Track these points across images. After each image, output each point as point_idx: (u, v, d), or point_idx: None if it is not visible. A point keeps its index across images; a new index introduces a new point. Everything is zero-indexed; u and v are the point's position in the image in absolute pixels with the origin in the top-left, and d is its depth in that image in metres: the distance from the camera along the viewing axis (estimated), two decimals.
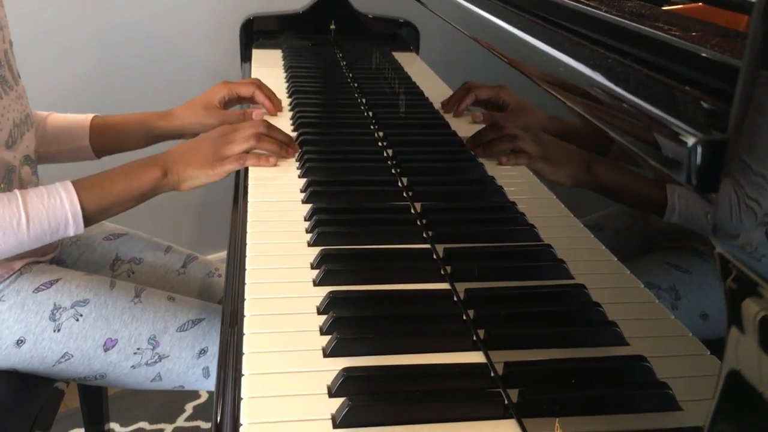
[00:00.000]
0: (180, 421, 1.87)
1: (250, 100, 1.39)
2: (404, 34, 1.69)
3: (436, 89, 1.27)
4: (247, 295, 0.83)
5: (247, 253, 0.91)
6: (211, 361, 1.11)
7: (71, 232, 1.03)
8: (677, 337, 0.60)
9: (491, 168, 0.97)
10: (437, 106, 1.22)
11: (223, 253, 2.23)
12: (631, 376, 0.66)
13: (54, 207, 1.00)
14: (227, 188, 1.18)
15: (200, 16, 2.13)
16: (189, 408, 1.90)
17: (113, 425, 1.81)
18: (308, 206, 1.02)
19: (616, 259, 0.70)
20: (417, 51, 1.55)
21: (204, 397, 1.94)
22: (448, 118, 1.16)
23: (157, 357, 1.09)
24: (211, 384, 1.12)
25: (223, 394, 0.73)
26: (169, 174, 1.10)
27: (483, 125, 1.02)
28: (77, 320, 1.06)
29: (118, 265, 1.29)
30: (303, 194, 1.06)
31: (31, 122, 1.16)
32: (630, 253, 0.67)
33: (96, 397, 1.50)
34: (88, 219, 1.04)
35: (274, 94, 1.41)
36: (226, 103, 1.37)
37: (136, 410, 1.88)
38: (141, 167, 1.09)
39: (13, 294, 1.05)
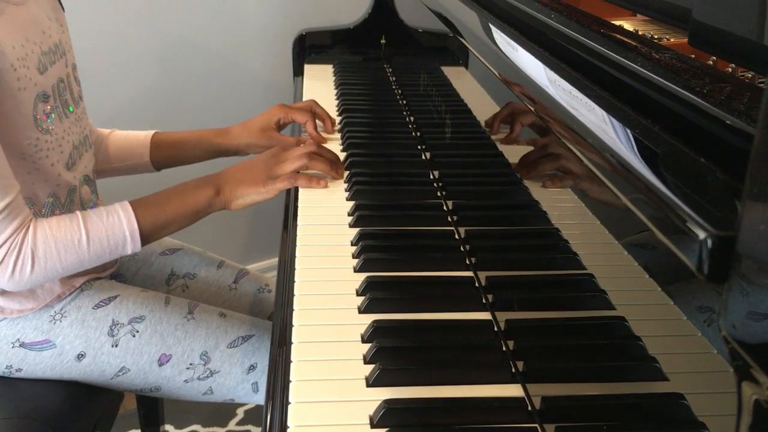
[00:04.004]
0: (232, 425, 1.93)
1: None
2: (454, 48, 1.71)
3: (484, 106, 1.28)
4: (294, 322, 0.86)
5: (296, 279, 0.94)
6: (260, 376, 1.14)
7: (129, 251, 1.07)
8: (718, 372, 0.60)
9: (536, 191, 0.98)
10: (484, 124, 1.23)
11: (274, 260, 2.28)
12: (668, 413, 0.67)
13: (113, 225, 1.05)
14: (278, 196, 1.22)
15: (255, 31, 2.18)
16: (240, 412, 1.96)
17: (168, 427, 1.87)
18: (355, 230, 1.05)
19: (659, 289, 0.70)
20: (466, 65, 1.57)
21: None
22: (495, 137, 1.17)
23: (208, 372, 1.13)
24: (259, 398, 1.16)
25: (271, 419, 0.76)
26: (221, 193, 1.14)
27: (529, 146, 1.03)
28: (134, 336, 1.11)
29: (173, 280, 1.33)
30: (350, 218, 1.09)
31: (90, 143, 1.21)
32: (686, 273, 0.67)
33: (152, 401, 1.55)
34: (145, 237, 1.08)
35: (329, 116, 1.44)
36: (282, 125, 1.40)
37: (190, 413, 1.94)
38: (194, 187, 1.13)
39: (74, 310, 1.11)
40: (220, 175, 1.16)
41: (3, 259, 0.97)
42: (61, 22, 1.16)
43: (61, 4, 1.20)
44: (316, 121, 1.41)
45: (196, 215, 1.14)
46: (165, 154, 1.36)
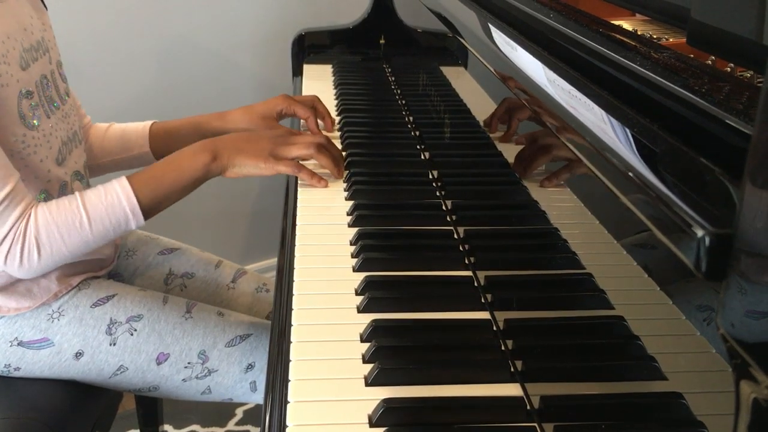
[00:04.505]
0: (231, 425, 1.93)
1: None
2: (453, 48, 1.71)
3: (483, 106, 1.28)
4: (293, 321, 0.86)
5: (295, 278, 0.94)
6: (258, 375, 1.14)
7: (133, 226, 1.07)
8: (717, 371, 0.60)
9: (535, 191, 0.98)
10: (483, 124, 1.23)
11: (273, 260, 2.28)
12: (667, 412, 0.67)
13: (112, 204, 1.05)
14: (277, 196, 1.21)
15: (253, 31, 2.18)
16: (239, 412, 1.96)
17: (167, 427, 1.87)
18: (354, 230, 1.05)
19: (658, 288, 0.70)
20: (465, 65, 1.57)
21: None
22: (494, 137, 1.17)
23: (206, 371, 1.13)
24: (257, 397, 1.16)
25: (269, 418, 0.76)
26: (218, 158, 1.12)
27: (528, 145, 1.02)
28: (132, 335, 1.11)
29: (172, 279, 1.33)
30: (349, 217, 1.09)
31: (79, 139, 1.20)
32: (685, 272, 0.67)
33: (151, 401, 1.55)
34: (147, 211, 1.08)
35: (329, 114, 1.44)
36: (282, 116, 1.40)
37: (189, 413, 1.94)
38: (191, 154, 1.12)
39: (72, 309, 1.11)
40: (218, 141, 1.15)
41: (9, 249, 0.98)
42: (43, 21, 1.16)
43: (44, 4, 1.20)
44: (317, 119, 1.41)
45: (195, 183, 1.13)
46: (164, 143, 1.36)
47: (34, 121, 1.06)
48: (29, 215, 1.00)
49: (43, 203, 1.02)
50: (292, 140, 1.17)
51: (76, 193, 1.05)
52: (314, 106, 1.41)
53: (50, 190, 1.10)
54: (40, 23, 1.14)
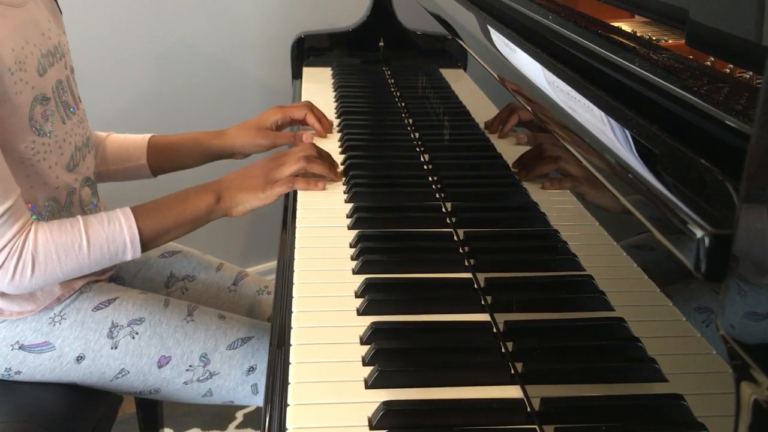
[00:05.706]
0: (231, 428, 1.93)
1: (302, 122, 1.43)
2: (452, 50, 1.71)
3: (482, 108, 1.28)
4: (293, 323, 0.86)
5: (294, 281, 0.94)
6: (260, 378, 1.14)
7: (129, 257, 1.07)
8: (717, 373, 0.60)
9: (535, 193, 0.98)
10: (483, 126, 1.23)
11: (273, 263, 2.28)
12: (667, 414, 0.66)
13: (113, 232, 1.05)
14: (277, 200, 1.22)
15: (253, 34, 2.18)
16: (240, 415, 1.96)
17: (167, 430, 1.87)
18: (354, 232, 1.05)
19: (659, 290, 0.70)
20: (465, 67, 1.57)
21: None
22: (494, 139, 1.17)
23: (208, 374, 1.13)
24: (259, 400, 1.16)
25: (269, 421, 0.76)
26: (221, 200, 1.14)
27: (527, 147, 1.03)
28: (133, 338, 1.11)
29: (173, 282, 1.33)
30: (349, 220, 1.09)
31: (92, 145, 1.21)
32: (685, 273, 0.67)
33: (151, 404, 1.55)
34: (146, 244, 1.09)
35: (325, 117, 1.45)
36: (279, 127, 1.40)
37: (189, 416, 1.93)
38: (195, 194, 1.14)
39: (73, 312, 1.11)
40: (221, 182, 1.16)
41: (3, 263, 0.98)
42: (59, 25, 1.17)
43: (59, 7, 1.20)
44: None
45: (197, 222, 1.14)
46: (162, 158, 1.36)
47: (47, 127, 1.06)
48: (28, 231, 1.00)
49: (44, 222, 1.02)
50: (282, 161, 1.18)
51: (78, 217, 1.05)
52: (308, 106, 1.42)
53: (58, 196, 1.10)
54: (57, 27, 1.15)
